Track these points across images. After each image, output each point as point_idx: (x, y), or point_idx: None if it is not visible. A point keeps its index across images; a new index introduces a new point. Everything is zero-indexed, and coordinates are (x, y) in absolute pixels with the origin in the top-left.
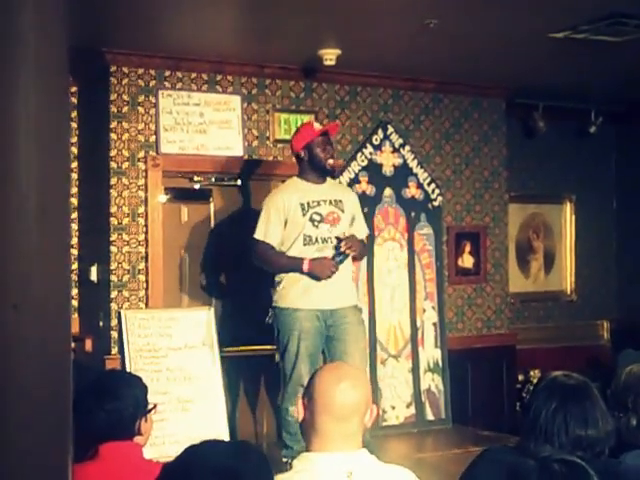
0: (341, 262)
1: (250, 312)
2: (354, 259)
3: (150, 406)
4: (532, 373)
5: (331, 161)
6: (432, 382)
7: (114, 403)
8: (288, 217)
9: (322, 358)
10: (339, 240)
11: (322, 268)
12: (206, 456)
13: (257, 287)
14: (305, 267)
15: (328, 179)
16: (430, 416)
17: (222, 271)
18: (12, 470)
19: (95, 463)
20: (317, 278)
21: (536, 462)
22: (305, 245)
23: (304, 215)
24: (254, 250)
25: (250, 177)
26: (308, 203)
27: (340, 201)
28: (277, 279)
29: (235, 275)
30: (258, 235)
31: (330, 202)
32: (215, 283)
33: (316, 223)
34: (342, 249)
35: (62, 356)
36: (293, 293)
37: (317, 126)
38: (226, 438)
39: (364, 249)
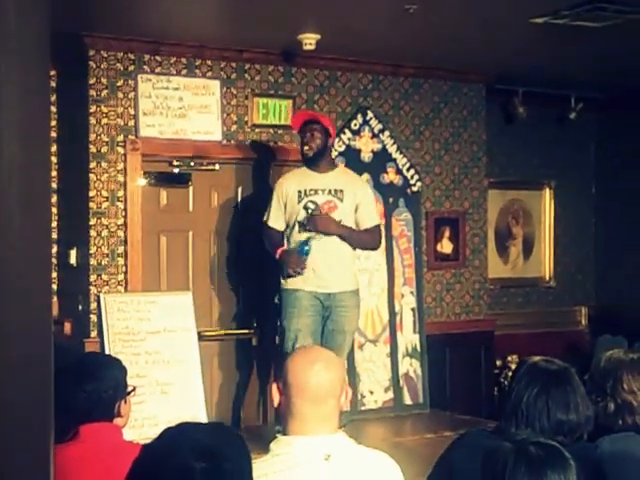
0: (307, 253)
1: (232, 295)
2: (342, 239)
3: (130, 388)
4: (510, 358)
5: (306, 147)
6: (410, 367)
7: (94, 384)
8: (287, 203)
9: None
10: (307, 219)
11: (287, 263)
12: (185, 437)
13: (242, 270)
14: (276, 256)
15: (340, 168)
16: (408, 400)
17: (204, 255)
18: None
19: (76, 444)
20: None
21: (513, 445)
22: (300, 232)
23: (299, 202)
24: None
25: (228, 161)
26: (305, 191)
27: (341, 191)
28: None
29: (218, 258)
30: (264, 218)
31: (329, 191)
32: (196, 267)
33: (309, 211)
34: (306, 225)
35: (43, 337)
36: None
37: (297, 116)
38: (204, 421)
39: (350, 233)
